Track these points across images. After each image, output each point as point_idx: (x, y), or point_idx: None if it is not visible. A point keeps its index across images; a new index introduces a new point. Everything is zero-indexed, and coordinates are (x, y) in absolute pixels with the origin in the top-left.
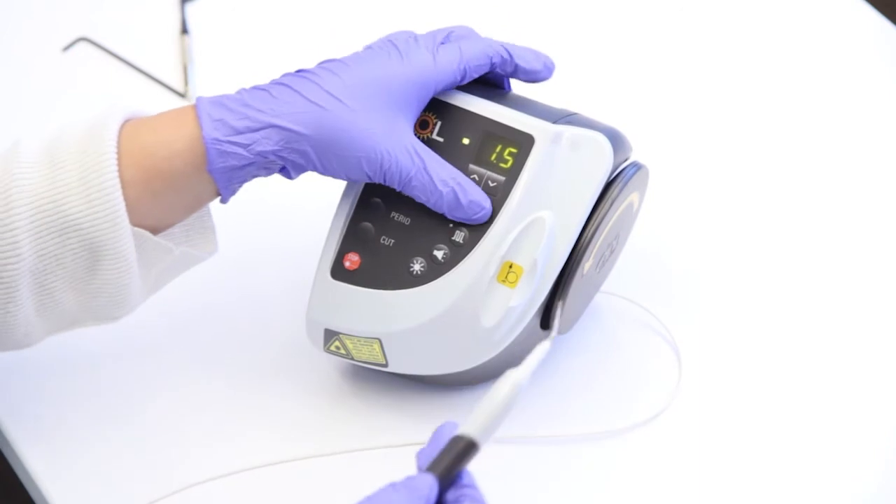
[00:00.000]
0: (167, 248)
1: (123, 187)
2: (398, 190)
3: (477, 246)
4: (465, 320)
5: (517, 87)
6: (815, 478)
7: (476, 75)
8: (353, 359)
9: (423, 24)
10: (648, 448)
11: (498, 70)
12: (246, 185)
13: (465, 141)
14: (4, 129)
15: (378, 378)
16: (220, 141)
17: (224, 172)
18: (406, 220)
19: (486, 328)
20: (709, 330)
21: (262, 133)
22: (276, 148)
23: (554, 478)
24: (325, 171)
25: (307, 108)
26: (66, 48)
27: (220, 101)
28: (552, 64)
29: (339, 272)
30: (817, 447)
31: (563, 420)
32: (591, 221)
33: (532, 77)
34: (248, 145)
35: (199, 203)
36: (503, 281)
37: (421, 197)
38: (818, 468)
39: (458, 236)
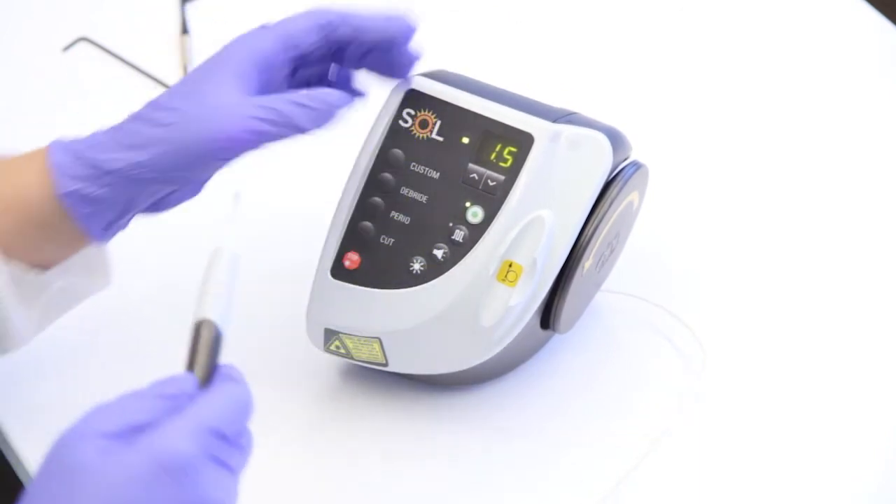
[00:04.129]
0: (44, 283)
1: None
2: (256, 147)
3: (477, 245)
4: (464, 319)
5: (518, 86)
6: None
7: (306, 40)
8: (353, 358)
9: (422, 24)
10: (655, 449)
11: (331, 38)
12: (245, 185)
13: (465, 140)
14: (4, 130)
15: (378, 378)
16: (66, 164)
17: (76, 198)
18: (406, 220)
19: (485, 327)
20: (711, 327)
21: (108, 155)
22: (126, 168)
23: (554, 478)
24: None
25: (142, 128)
26: (66, 48)
27: (71, 144)
28: (408, 26)
29: (339, 271)
30: (829, 443)
31: (564, 420)
32: (591, 220)
33: (388, 44)
34: (98, 166)
35: (74, 246)
36: (503, 280)
37: (270, 132)
38: (832, 467)
39: (458, 235)
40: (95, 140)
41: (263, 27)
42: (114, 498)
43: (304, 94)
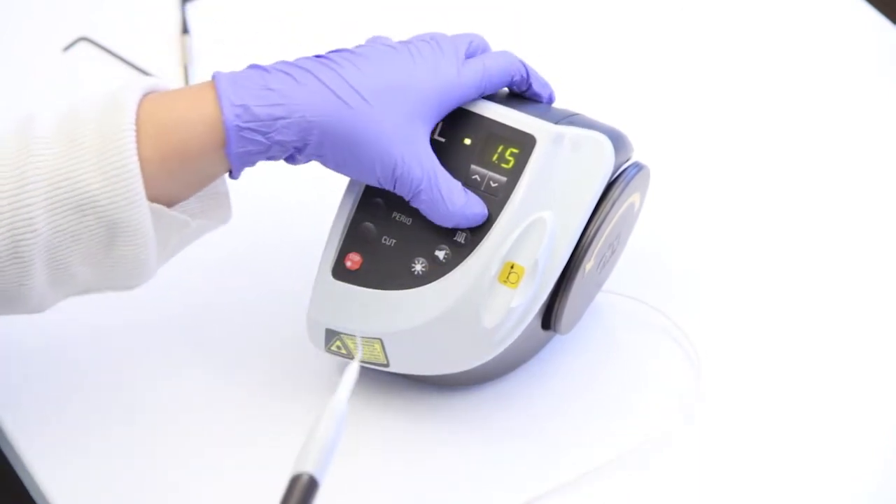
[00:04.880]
0: (184, 222)
1: (141, 164)
2: (406, 199)
3: (478, 246)
4: (466, 320)
5: None
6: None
7: (494, 91)
8: (353, 359)
9: (422, 24)
10: (654, 449)
11: (514, 88)
12: (247, 185)
13: (467, 141)
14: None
15: (379, 378)
16: (241, 128)
17: (241, 157)
18: (407, 220)
19: (487, 328)
20: (711, 329)
21: (282, 122)
22: (294, 139)
23: (554, 478)
24: (336, 167)
25: (330, 100)
26: (66, 48)
27: (240, 83)
28: (554, 97)
29: (340, 272)
30: (828, 443)
31: (564, 420)
32: (593, 222)
33: (537, 97)
34: (268, 133)
35: (212, 179)
36: (504, 281)
37: (426, 210)
38: (831, 467)
39: (460, 236)
40: (270, 99)
41: (464, 71)
42: None
43: (467, 199)
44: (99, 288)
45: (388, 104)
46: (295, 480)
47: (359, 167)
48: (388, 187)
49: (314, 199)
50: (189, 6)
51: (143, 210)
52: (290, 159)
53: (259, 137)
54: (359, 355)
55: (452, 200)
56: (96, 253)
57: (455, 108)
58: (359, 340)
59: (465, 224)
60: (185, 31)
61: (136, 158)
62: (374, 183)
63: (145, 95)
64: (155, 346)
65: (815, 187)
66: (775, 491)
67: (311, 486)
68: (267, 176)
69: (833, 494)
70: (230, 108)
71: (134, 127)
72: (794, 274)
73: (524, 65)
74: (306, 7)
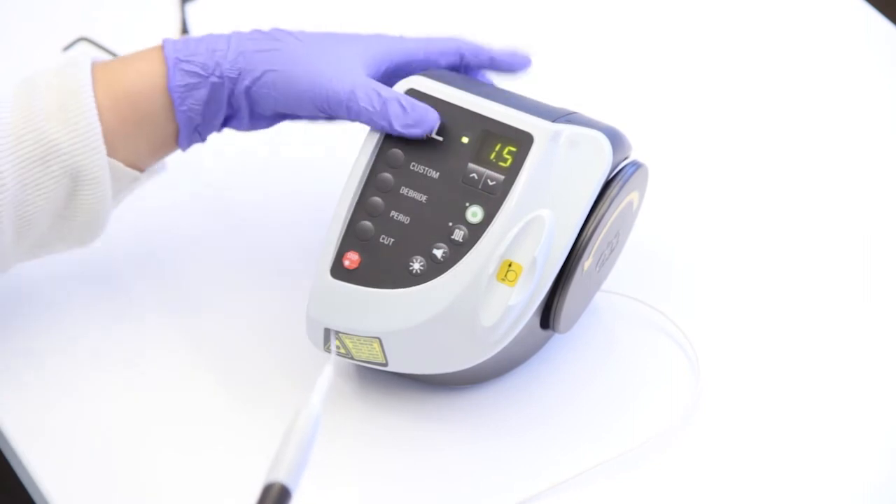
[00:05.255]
0: (134, 176)
1: (98, 112)
2: (348, 118)
3: (476, 244)
4: (464, 319)
5: (518, 86)
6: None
7: (442, 60)
8: (353, 358)
9: (421, 24)
10: (653, 448)
11: (470, 60)
12: (246, 185)
13: (465, 140)
14: None
15: (378, 378)
16: (181, 60)
17: (183, 92)
18: (405, 219)
19: (485, 327)
20: (710, 328)
21: (220, 53)
22: (229, 67)
23: (554, 477)
24: (272, 99)
25: (266, 37)
26: (66, 48)
27: (186, 39)
28: (528, 61)
29: (338, 271)
30: (827, 443)
31: (563, 419)
32: (591, 220)
33: (507, 68)
34: (206, 64)
35: (162, 146)
36: (503, 279)
37: (367, 111)
38: (830, 467)
39: (458, 235)
40: (209, 41)
41: (406, 38)
42: None
43: (409, 100)
44: (55, 244)
45: (320, 41)
46: (267, 490)
47: (292, 90)
48: (324, 109)
49: (313, 198)
50: (189, 6)
51: (102, 156)
52: (231, 108)
53: (198, 69)
54: (332, 360)
55: (387, 115)
56: (57, 203)
57: (400, 62)
58: (333, 358)
59: (415, 120)
60: (184, 31)
61: (94, 107)
62: (309, 111)
63: (94, 63)
64: (154, 347)
65: (815, 187)
66: (774, 490)
67: (283, 495)
68: (267, 176)
69: (832, 494)
70: (171, 47)
71: (90, 78)
72: (794, 273)
73: (475, 43)
74: (306, 7)
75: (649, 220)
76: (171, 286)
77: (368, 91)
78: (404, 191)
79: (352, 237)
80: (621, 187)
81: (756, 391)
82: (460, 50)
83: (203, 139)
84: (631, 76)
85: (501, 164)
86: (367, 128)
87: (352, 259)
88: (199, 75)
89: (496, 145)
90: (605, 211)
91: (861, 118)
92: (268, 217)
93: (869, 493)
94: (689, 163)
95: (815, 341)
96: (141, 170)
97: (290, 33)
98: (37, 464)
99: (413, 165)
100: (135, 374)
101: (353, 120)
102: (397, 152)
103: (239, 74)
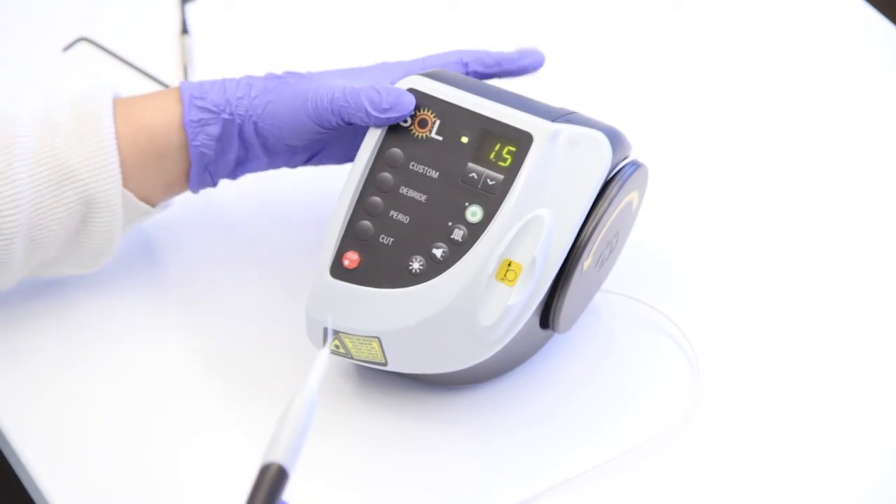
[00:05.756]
0: (145, 210)
1: (117, 142)
2: (336, 121)
3: (476, 244)
4: (463, 318)
5: (517, 85)
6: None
7: (440, 63)
8: (352, 358)
9: (421, 23)
10: (653, 448)
11: (475, 68)
12: (246, 184)
13: (464, 139)
14: None
15: (378, 378)
16: (195, 97)
17: (196, 127)
18: (405, 219)
19: (484, 326)
20: (710, 328)
21: (231, 93)
22: (240, 98)
23: (553, 477)
24: (281, 129)
25: (274, 79)
26: (66, 48)
27: (201, 81)
28: (541, 57)
29: (338, 271)
30: (826, 442)
31: (563, 419)
32: (590, 220)
33: (519, 71)
34: (219, 103)
35: (174, 183)
36: (502, 279)
37: (345, 107)
38: (829, 467)
39: (457, 234)
40: (223, 83)
41: (405, 61)
42: None
43: (383, 87)
44: (59, 266)
45: (324, 74)
46: (264, 471)
47: (289, 113)
48: (317, 121)
49: (312, 198)
50: (189, 6)
51: (117, 185)
52: (244, 145)
53: (210, 106)
54: (328, 344)
55: (362, 104)
56: (69, 228)
57: (399, 74)
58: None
59: (390, 102)
60: (184, 31)
61: (113, 137)
62: (311, 131)
63: (115, 96)
64: (154, 347)
65: (815, 187)
66: (774, 490)
67: (281, 476)
68: (266, 176)
69: (832, 494)
70: (187, 87)
71: (111, 111)
72: (793, 273)
73: (477, 50)
74: (306, 7)
75: (649, 220)
76: (170, 286)
77: (346, 90)
78: (404, 190)
79: (351, 237)
80: (621, 187)
81: (755, 391)
82: (462, 59)
83: (214, 182)
84: (631, 76)
85: (501, 163)
86: (367, 127)
87: (351, 259)
88: (212, 111)
89: (496, 145)
90: (605, 211)
91: (861, 118)
92: (267, 216)
93: (869, 493)
94: (688, 163)
95: (815, 341)
96: (152, 204)
97: (300, 74)
98: (37, 464)
99: (413, 165)
100: (135, 375)
101: (340, 123)
102: (397, 152)
103: (247, 111)
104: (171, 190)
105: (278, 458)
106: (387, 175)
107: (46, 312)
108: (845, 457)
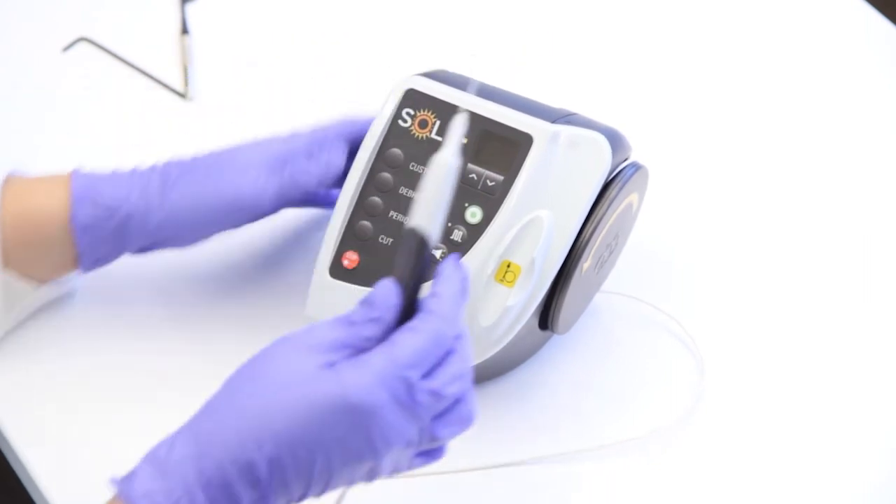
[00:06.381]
0: (30, 289)
1: (1, 225)
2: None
3: (475, 245)
4: (463, 319)
5: (518, 86)
6: (830, 477)
7: (331, 147)
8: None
9: (421, 24)
10: (653, 449)
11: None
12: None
13: (464, 140)
14: (4, 130)
15: None
16: (85, 193)
17: (84, 227)
18: (405, 219)
19: (483, 327)
20: (712, 327)
21: (125, 190)
22: (135, 204)
23: (553, 477)
24: (188, 222)
25: (167, 169)
26: (66, 48)
27: (93, 174)
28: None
29: (337, 271)
30: (827, 442)
31: (562, 420)
32: (590, 221)
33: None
34: (111, 205)
35: (63, 267)
36: (501, 280)
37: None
38: (830, 467)
39: (457, 235)
40: (115, 180)
41: (297, 134)
42: (294, 410)
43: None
44: None
45: (219, 157)
46: (408, 235)
47: (197, 205)
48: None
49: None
50: (189, 6)
51: None
52: (145, 237)
53: (102, 204)
54: (465, 114)
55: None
56: None
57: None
58: None
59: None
60: (184, 31)
61: None
62: (225, 228)
63: (10, 174)
64: (154, 348)
65: (815, 187)
66: (775, 488)
67: (421, 239)
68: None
69: (833, 493)
70: (78, 182)
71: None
72: (794, 273)
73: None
74: (306, 7)
75: (649, 220)
76: (169, 285)
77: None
78: (403, 191)
79: (351, 237)
80: (620, 188)
81: (758, 390)
82: (343, 133)
83: (109, 262)
84: (631, 77)
85: (501, 164)
86: (368, 127)
87: (351, 259)
88: (104, 209)
89: (495, 146)
90: (605, 212)
91: (861, 118)
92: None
93: (869, 492)
94: (689, 163)
95: (817, 340)
96: (41, 282)
97: (193, 160)
98: (37, 464)
99: (412, 165)
100: (135, 375)
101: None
102: (397, 152)
103: (144, 213)
104: (60, 272)
105: (419, 222)
106: (387, 175)
107: (46, 312)
108: (846, 456)
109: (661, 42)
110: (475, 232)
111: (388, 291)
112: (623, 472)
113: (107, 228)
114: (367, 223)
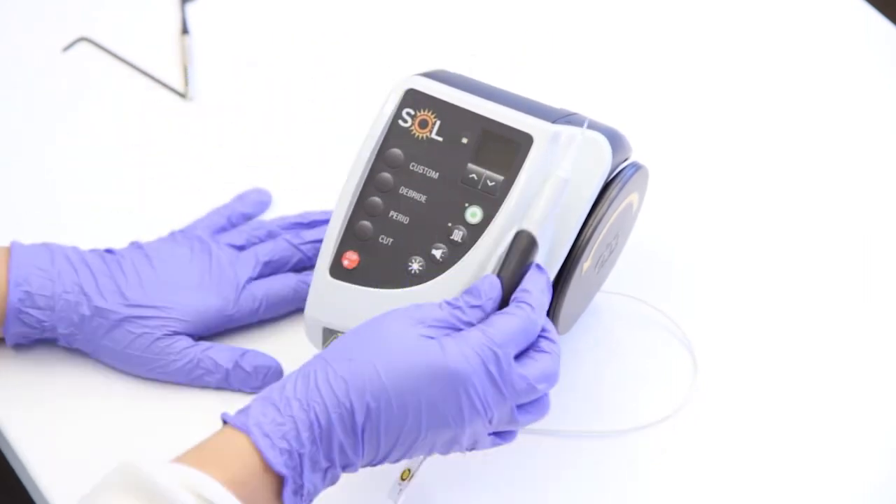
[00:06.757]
0: None
1: None
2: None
3: (475, 245)
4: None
5: (518, 87)
6: (829, 477)
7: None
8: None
9: (421, 24)
10: (653, 449)
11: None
12: (245, 184)
13: (464, 140)
14: (4, 130)
15: None
16: (20, 311)
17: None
18: (405, 219)
19: None
20: (710, 328)
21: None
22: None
23: (552, 476)
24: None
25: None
26: (66, 48)
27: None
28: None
29: (337, 271)
30: (825, 442)
31: (562, 419)
32: (590, 221)
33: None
34: (43, 321)
35: None
36: None
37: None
38: (828, 466)
39: (457, 235)
40: (54, 276)
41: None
42: (396, 370)
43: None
44: None
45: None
46: (518, 237)
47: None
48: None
49: (312, 198)
50: (189, 6)
51: None
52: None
53: (31, 324)
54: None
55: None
56: None
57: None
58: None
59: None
60: (185, 31)
61: None
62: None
63: None
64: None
65: (815, 187)
66: (773, 489)
67: (531, 241)
68: (266, 177)
69: (832, 494)
70: (15, 291)
71: None
72: (793, 273)
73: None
74: (306, 7)
75: (649, 220)
76: None
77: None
78: (404, 191)
79: (351, 237)
80: (620, 189)
81: (755, 391)
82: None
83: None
84: (631, 77)
85: (501, 164)
86: (367, 128)
87: (351, 259)
88: (34, 329)
89: (496, 146)
90: (605, 212)
91: (861, 118)
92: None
93: (869, 492)
94: (689, 164)
95: (816, 341)
96: None
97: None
98: (37, 464)
99: (413, 165)
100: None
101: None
102: (397, 152)
103: (72, 342)
104: None
105: (531, 227)
106: (387, 175)
107: None
108: (844, 458)
109: (661, 42)
110: (475, 232)
111: (491, 285)
112: (620, 472)
113: (34, 336)
114: (367, 223)
